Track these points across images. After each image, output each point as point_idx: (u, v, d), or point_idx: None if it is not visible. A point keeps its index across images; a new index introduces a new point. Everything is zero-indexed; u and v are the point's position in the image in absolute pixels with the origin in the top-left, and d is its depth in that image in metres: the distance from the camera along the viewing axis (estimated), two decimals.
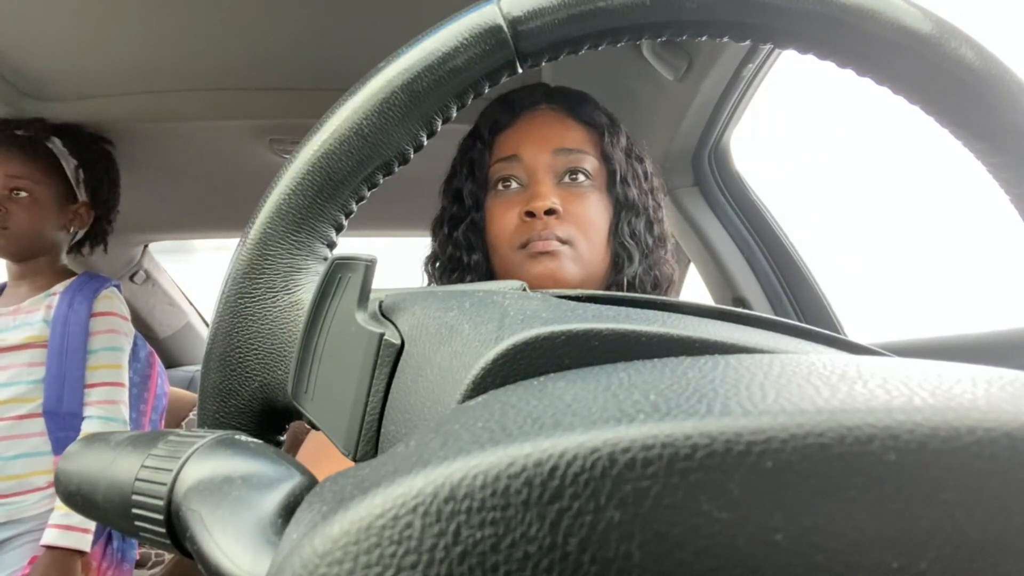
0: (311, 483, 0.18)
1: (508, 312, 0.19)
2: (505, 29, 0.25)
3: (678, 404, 0.12)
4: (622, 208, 0.71)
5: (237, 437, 0.19)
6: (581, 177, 0.69)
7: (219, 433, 0.19)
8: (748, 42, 0.26)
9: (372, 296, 0.23)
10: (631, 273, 0.70)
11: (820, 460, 0.11)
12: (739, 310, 0.21)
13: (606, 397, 0.13)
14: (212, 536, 0.16)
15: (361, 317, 0.22)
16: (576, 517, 0.11)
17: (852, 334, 1.08)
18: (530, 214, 0.66)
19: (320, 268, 0.26)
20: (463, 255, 0.72)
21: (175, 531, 0.18)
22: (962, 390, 0.12)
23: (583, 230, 0.67)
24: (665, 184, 1.16)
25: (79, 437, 0.24)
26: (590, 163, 0.70)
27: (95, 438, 0.22)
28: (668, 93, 1.02)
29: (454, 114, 0.26)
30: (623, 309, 0.19)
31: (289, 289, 0.25)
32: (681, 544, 0.10)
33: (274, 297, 0.25)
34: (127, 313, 1.22)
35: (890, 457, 0.11)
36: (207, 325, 2.22)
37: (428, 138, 0.26)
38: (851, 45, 0.26)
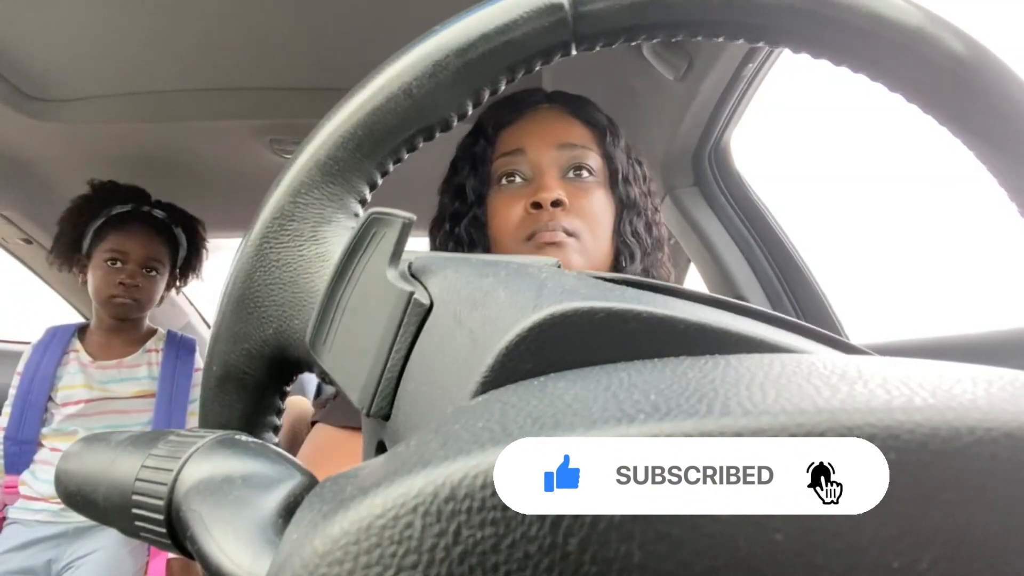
0: (311, 483, 0.18)
1: (546, 284, 0.18)
2: (567, 8, 0.24)
3: (678, 404, 0.12)
4: (624, 207, 0.72)
5: (237, 437, 0.19)
6: (585, 173, 0.70)
7: (219, 433, 0.19)
8: (779, 46, 0.26)
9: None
10: (632, 272, 0.70)
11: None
12: (775, 313, 0.20)
13: (606, 397, 0.13)
14: (212, 536, 0.16)
15: (392, 274, 0.21)
16: (576, 517, 0.11)
17: (852, 334, 1.08)
18: (536, 205, 0.66)
19: (350, 224, 0.25)
20: (464, 251, 0.72)
21: (175, 531, 0.18)
22: (962, 390, 0.12)
23: (589, 223, 0.67)
24: (665, 184, 1.16)
25: None
26: (593, 160, 0.70)
27: (95, 438, 0.22)
28: (668, 93, 1.02)
29: (502, 87, 0.26)
30: (660, 296, 0.18)
31: (317, 239, 0.25)
32: (681, 544, 0.10)
33: (300, 246, 0.25)
34: None
35: (890, 457, 0.11)
36: (207, 325, 2.22)
37: (473, 108, 0.26)
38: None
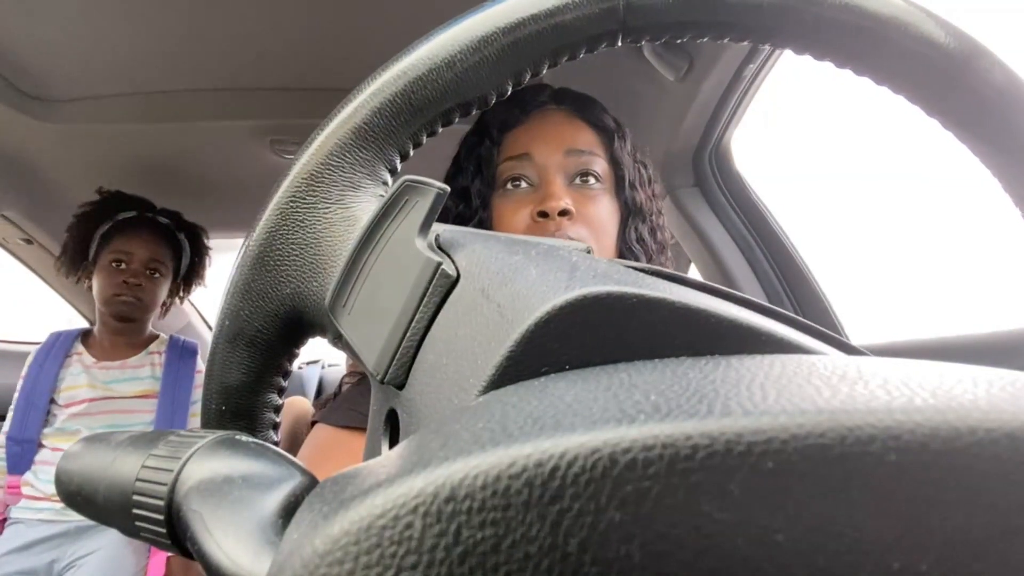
0: (311, 483, 0.18)
1: (578, 267, 0.18)
2: None
3: (679, 404, 0.12)
4: (630, 212, 0.71)
5: (238, 437, 0.19)
6: (592, 180, 0.68)
7: (219, 433, 0.19)
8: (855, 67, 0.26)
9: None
10: None
11: (821, 461, 0.11)
12: (790, 313, 0.20)
13: (607, 397, 0.13)
14: (213, 536, 0.16)
15: (420, 243, 0.21)
16: (577, 518, 0.11)
17: (852, 334, 1.08)
18: (543, 214, 0.65)
19: (378, 191, 0.25)
20: None
21: (175, 531, 0.18)
22: (963, 390, 0.12)
23: (594, 231, 0.66)
24: (665, 184, 1.16)
25: None
26: (600, 165, 0.69)
27: (96, 438, 0.22)
28: (669, 93, 1.02)
29: (544, 71, 0.26)
30: (690, 290, 0.18)
31: (344, 203, 0.25)
32: (682, 545, 0.10)
33: (326, 209, 0.25)
34: None
35: (891, 458, 0.11)
36: (208, 325, 2.22)
37: (513, 88, 0.26)
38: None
